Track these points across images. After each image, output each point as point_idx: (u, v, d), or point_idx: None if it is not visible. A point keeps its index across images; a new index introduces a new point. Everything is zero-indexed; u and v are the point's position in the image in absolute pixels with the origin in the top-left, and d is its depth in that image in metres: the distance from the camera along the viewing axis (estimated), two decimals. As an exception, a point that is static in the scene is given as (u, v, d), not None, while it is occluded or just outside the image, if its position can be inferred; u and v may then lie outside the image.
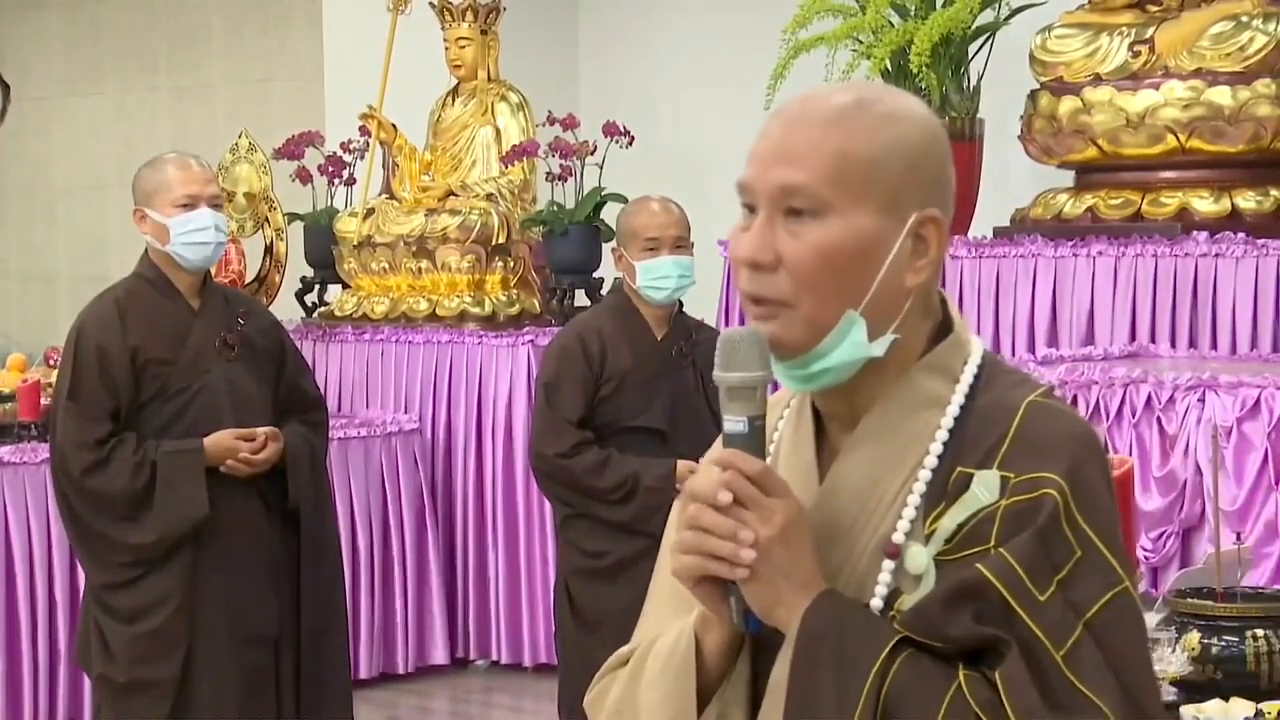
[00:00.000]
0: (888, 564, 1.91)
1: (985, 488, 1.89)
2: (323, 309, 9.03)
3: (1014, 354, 7.10)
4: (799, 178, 1.91)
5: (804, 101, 1.98)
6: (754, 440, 1.91)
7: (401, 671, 7.97)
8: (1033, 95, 7.70)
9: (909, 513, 1.92)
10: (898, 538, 1.91)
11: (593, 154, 8.27)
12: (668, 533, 2.13)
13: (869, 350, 1.93)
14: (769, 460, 1.98)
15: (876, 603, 1.91)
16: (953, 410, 1.95)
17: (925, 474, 1.92)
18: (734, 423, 1.91)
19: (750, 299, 1.94)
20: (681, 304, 5.65)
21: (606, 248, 7.81)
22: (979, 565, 1.85)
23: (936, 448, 1.93)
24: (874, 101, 1.96)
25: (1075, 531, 1.87)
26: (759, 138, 1.97)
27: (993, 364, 2.00)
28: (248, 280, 8.47)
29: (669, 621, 2.03)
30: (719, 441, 2.08)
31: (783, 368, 1.94)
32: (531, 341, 8.03)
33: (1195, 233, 7.05)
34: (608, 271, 7.53)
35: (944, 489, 1.91)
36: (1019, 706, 1.80)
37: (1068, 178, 7.78)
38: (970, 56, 7.75)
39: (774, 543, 1.88)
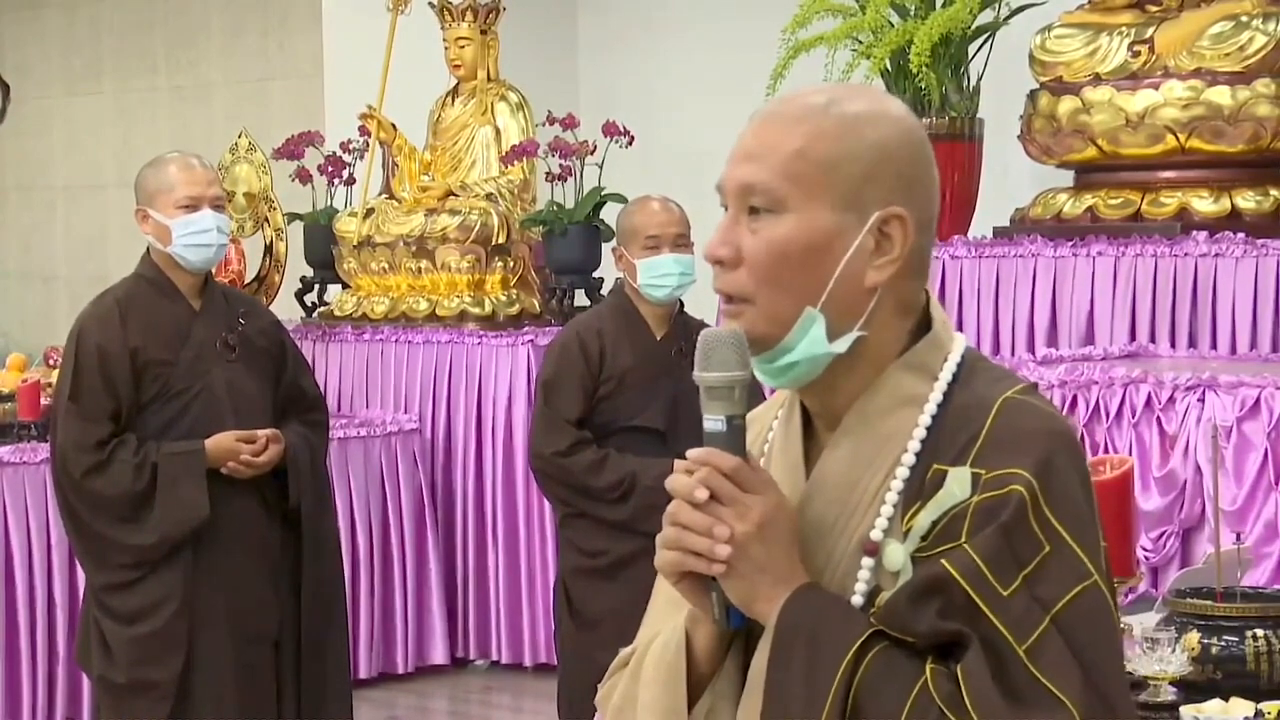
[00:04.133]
0: (867, 561, 1.93)
1: (958, 484, 1.90)
2: (322, 309, 9.04)
3: (1014, 354, 7.10)
4: (757, 175, 1.95)
5: (779, 102, 2.02)
6: (733, 439, 1.93)
7: (401, 671, 7.97)
8: (1032, 95, 7.70)
9: (887, 510, 1.94)
10: (876, 535, 1.93)
11: (592, 154, 8.27)
12: None
13: (829, 347, 1.95)
14: (762, 458, 2.02)
15: (858, 600, 1.93)
16: (930, 408, 1.96)
17: (903, 471, 1.94)
18: (713, 421, 1.94)
19: (720, 295, 1.99)
20: (682, 304, 5.65)
21: (606, 248, 7.81)
22: (943, 561, 1.87)
23: (914, 445, 1.95)
24: (844, 101, 1.99)
25: (1044, 526, 1.88)
26: (737, 139, 2.01)
27: (973, 361, 2.01)
28: (247, 280, 8.47)
29: (669, 620, 2.05)
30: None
31: (756, 362, 1.96)
32: (531, 341, 8.03)
33: (1195, 233, 7.05)
34: (608, 271, 7.53)
35: (921, 486, 1.93)
36: (977, 699, 1.82)
37: (1067, 177, 7.78)
38: (970, 56, 7.75)
39: (750, 538, 1.90)
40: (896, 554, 1.91)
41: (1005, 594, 1.85)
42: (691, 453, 1.95)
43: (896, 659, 1.86)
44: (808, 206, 1.94)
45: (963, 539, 1.88)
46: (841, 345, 1.95)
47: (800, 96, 2.00)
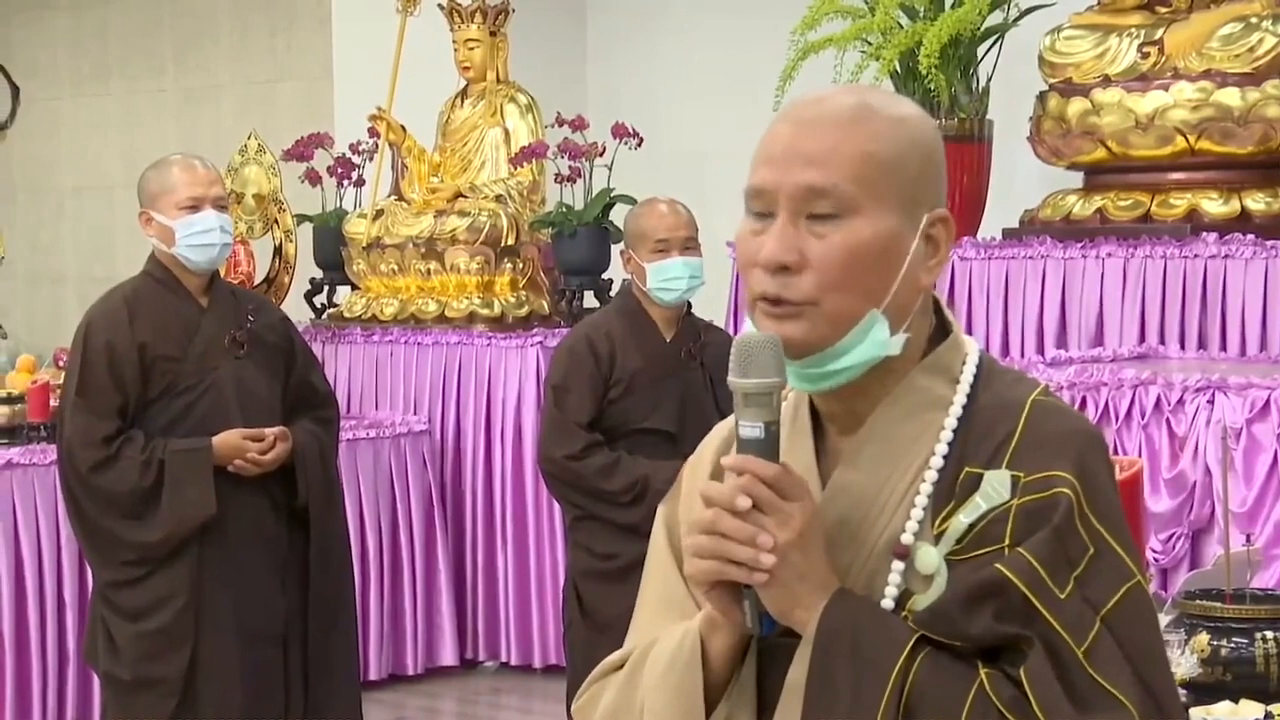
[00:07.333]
0: (897, 565, 1.92)
1: (997, 487, 1.90)
2: (332, 310, 9.04)
3: (1023, 355, 7.09)
4: (826, 179, 1.93)
5: (811, 105, 1.99)
6: (769, 445, 1.92)
7: (410, 672, 7.97)
8: (1041, 96, 7.70)
9: (917, 513, 1.93)
10: (906, 538, 1.92)
11: (601, 155, 8.27)
12: (655, 538, 2.14)
13: (888, 348, 1.94)
14: None
15: (887, 603, 1.92)
16: (956, 410, 1.96)
17: (932, 474, 1.94)
18: (750, 428, 1.92)
19: (770, 300, 1.95)
20: (690, 305, 5.65)
21: (615, 249, 7.81)
22: (998, 564, 1.87)
23: (942, 448, 1.94)
24: (881, 104, 1.99)
25: (1088, 528, 1.88)
26: (768, 142, 1.98)
27: (989, 364, 2.02)
28: (257, 282, 8.48)
29: (662, 626, 2.04)
30: (710, 439, 2.08)
31: (797, 368, 1.94)
32: (540, 343, 8.03)
33: (1204, 234, 7.04)
34: (616, 273, 7.53)
35: (951, 489, 1.92)
36: (1044, 703, 1.82)
37: (1077, 179, 7.77)
38: (979, 58, 7.74)
39: (792, 547, 1.89)
40: (930, 557, 1.90)
41: (1061, 596, 1.85)
42: (727, 460, 1.93)
43: (944, 662, 1.86)
44: (877, 209, 1.93)
45: (1006, 541, 1.88)
46: (896, 346, 1.95)
47: (831, 99, 1.99)
